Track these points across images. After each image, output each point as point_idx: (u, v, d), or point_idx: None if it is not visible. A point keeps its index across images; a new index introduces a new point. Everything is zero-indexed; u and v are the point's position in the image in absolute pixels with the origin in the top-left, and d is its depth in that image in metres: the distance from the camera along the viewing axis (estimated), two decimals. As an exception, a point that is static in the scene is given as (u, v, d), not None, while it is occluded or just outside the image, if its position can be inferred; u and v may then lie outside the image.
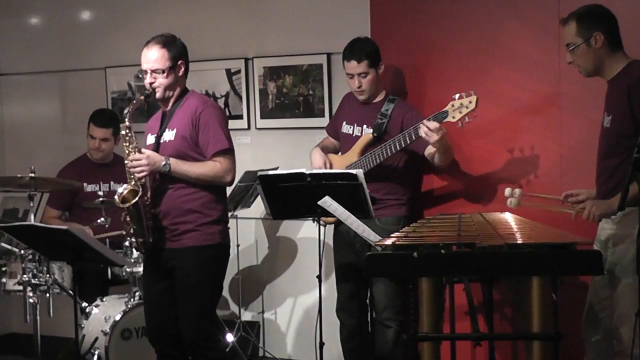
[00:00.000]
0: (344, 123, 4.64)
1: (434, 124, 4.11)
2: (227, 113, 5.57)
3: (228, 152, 4.02)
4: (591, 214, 3.54)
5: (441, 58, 4.71)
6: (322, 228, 4.25)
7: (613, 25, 3.63)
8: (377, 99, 4.57)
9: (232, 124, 5.38)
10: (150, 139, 4.09)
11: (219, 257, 4.09)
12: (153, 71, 3.99)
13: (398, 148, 4.33)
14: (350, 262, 4.57)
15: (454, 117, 4.16)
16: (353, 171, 4.02)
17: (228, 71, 5.56)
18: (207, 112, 3.99)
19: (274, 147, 5.47)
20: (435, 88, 4.69)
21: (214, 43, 5.62)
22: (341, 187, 4.00)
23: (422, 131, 4.13)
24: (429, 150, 4.38)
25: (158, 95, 4.03)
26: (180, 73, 4.04)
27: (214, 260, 4.06)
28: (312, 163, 4.62)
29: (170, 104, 4.09)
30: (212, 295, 4.13)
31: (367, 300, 4.46)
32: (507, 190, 3.80)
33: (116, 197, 3.95)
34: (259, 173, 4.20)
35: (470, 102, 4.13)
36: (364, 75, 4.46)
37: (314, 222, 4.21)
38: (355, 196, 4.00)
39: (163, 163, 3.92)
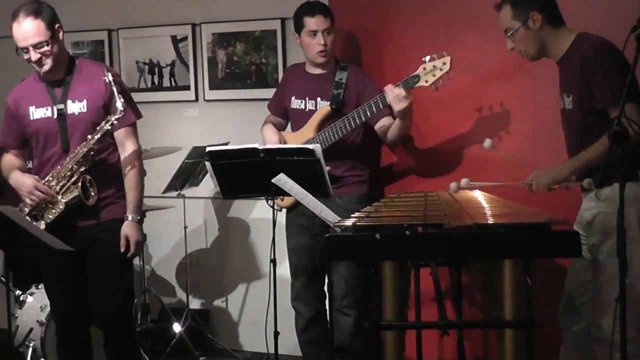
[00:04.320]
0: (293, 98, 4.55)
1: (400, 91, 4.06)
2: (173, 83, 5.53)
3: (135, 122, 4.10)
4: (539, 184, 3.53)
5: (404, 24, 4.65)
6: (276, 208, 4.20)
7: (549, 1, 3.63)
8: (327, 69, 4.48)
9: (178, 95, 5.61)
10: (40, 113, 3.93)
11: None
12: (35, 46, 3.83)
13: (359, 122, 4.25)
14: (306, 247, 4.51)
15: (427, 81, 4.11)
16: (310, 146, 3.94)
17: (174, 38, 5.48)
18: (117, 79, 3.93)
19: (224, 121, 5.41)
20: (395, 55, 4.64)
21: (159, 7, 5.53)
22: (297, 163, 3.92)
23: (390, 97, 4.06)
24: (382, 123, 4.35)
25: (48, 67, 3.88)
26: (61, 37, 3.94)
27: None
28: (266, 142, 4.50)
29: (62, 73, 3.97)
30: (132, 271, 4.13)
31: (325, 287, 4.40)
32: (453, 185, 3.72)
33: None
34: (208, 149, 4.09)
35: (444, 63, 4.09)
36: (328, 32, 4.38)
37: (267, 202, 4.15)
38: (313, 173, 3.92)
39: (131, 218, 3.94)
